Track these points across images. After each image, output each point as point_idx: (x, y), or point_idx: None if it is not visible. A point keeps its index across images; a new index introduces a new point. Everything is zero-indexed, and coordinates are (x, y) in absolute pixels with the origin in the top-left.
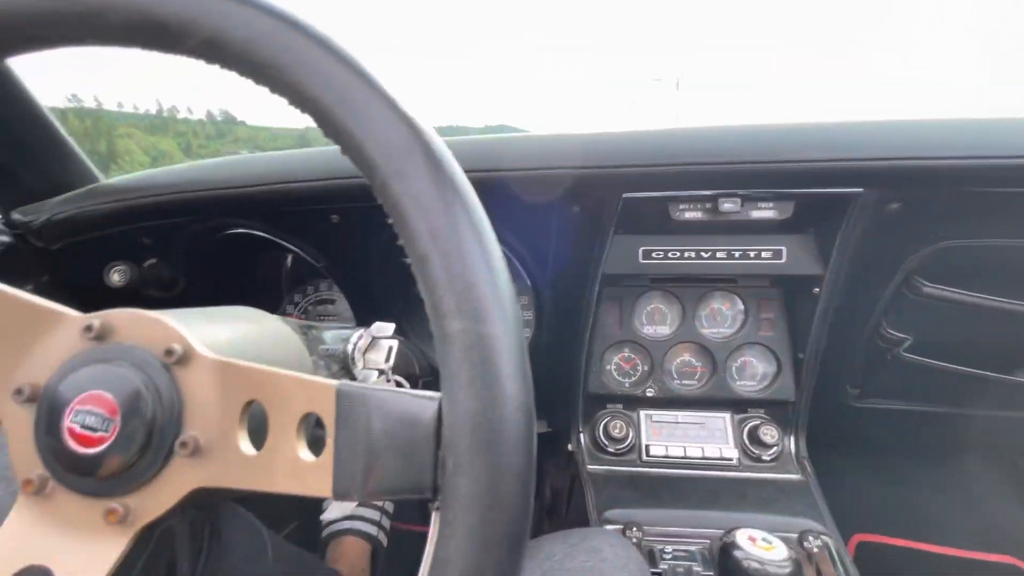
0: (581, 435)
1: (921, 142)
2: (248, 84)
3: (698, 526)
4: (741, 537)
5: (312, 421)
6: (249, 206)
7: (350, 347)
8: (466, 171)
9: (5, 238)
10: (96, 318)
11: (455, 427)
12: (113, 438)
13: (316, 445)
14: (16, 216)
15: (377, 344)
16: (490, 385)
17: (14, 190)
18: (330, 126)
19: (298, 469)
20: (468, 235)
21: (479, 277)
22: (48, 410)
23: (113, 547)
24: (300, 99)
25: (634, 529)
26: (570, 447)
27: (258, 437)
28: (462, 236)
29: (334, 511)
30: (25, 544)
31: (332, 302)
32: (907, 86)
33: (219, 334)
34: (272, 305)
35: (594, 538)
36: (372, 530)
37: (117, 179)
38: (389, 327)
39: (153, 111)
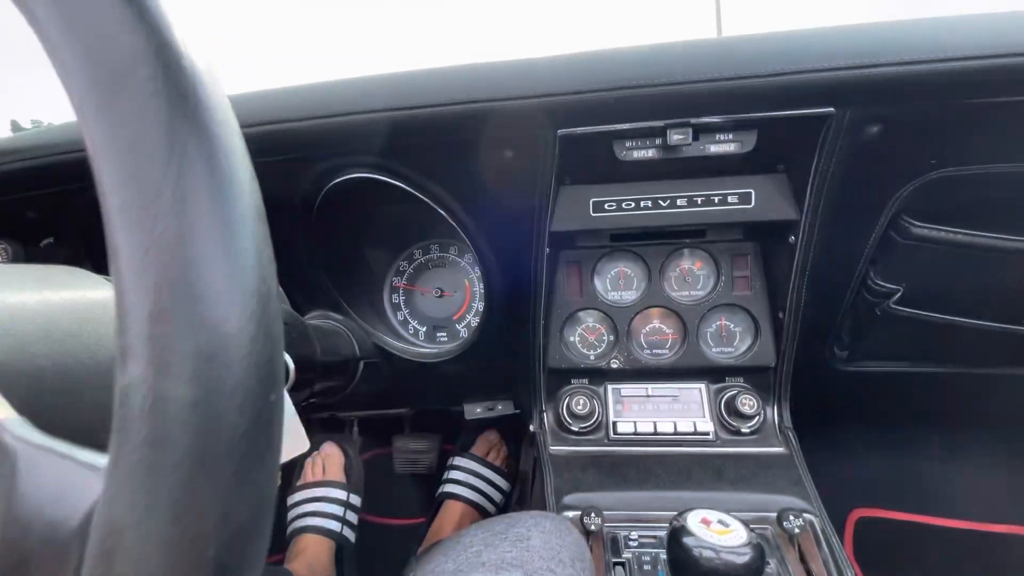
0: (544, 414)
1: (898, 44)
2: None
3: (665, 508)
4: (693, 520)
5: None
6: None
7: None
8: (368, 110)
9: None
10: None
11: (104, 539)
12: None
13: None
14: None
15: None
16: (157, 491)
17: None
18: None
19: None
20: (206, 231)
21: (186, 300)
22: None
23: None
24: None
25: (592, 515)
26: (532, 427)
27: None
28: (190, 227)
29: None
30: None
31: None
32: None
33: None
34: None
35: (523, 524)
36: (334, 526)
37: None
38: None
39: None
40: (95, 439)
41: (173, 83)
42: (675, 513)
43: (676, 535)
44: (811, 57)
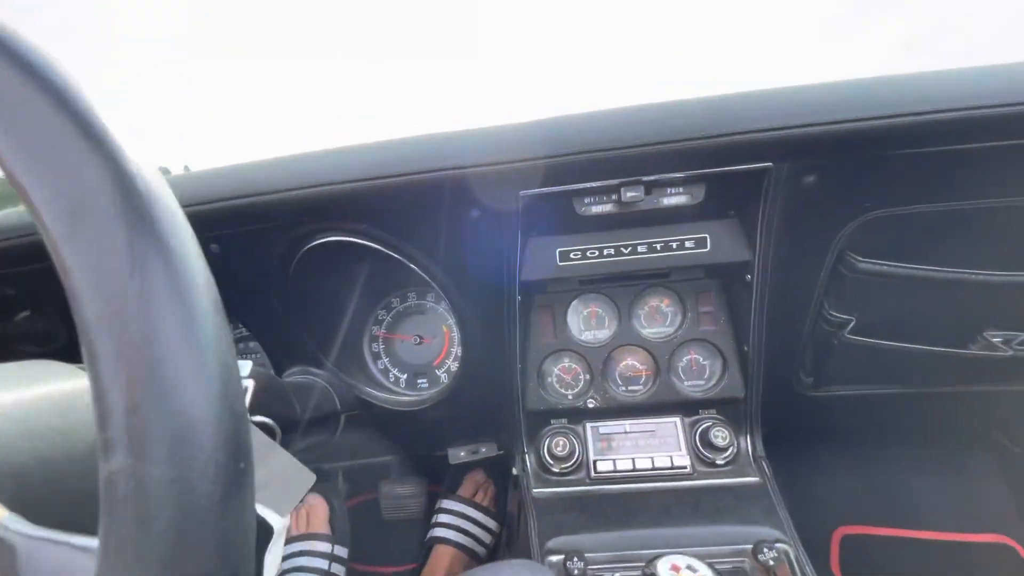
0: (527, 456)
1: (819, 106)
2: None
3: (646, 547)
4: (663, 567)
5: None
6: None
7: None
8: (338, 181)
9: None
10: None
11: None
12: None
13: None
14: None
15: None
16: (146, 562)
17: None
18: None
19: None
20: (170, 331)
21: (157, 393)
22: None
23: None
24: None
25: (575, 560)
26: (515, 470)
27: None
28: (155, 329)
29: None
30: None
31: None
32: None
33: None
34: None
35: (502, 574)
36: None
37: None
38: (246, 365)
39: None
40: (79, 524)
41: (131, 206)
42: (658, 551)
43: None
44: (747, 119)
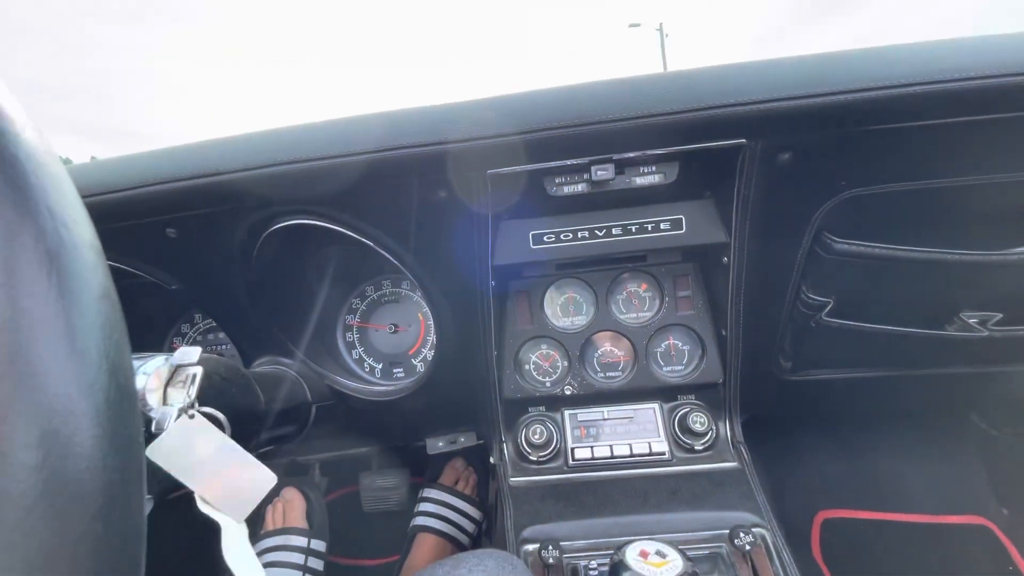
0: (505, 445)
1: (795, 80)
2: None
3: (623, 534)
4: (631, 553)
5: None
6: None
7: (139, 383)
8: (299, 160)
9: None
10: None
11: None
12: None
13: None
14: None
15: (182, 373)
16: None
17: None
18: None
19: None
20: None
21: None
22: None
23: None
24: None
25: (551, 548)
26: (492, 460)
27: None
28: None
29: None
30: None
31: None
32: None
33: None
34: (156, 337)
35: (465, 564)
36: (295, 575)
37: None
38: (194, 352)
39: None
40: None
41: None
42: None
43: (615, 570)
44: (721, 93)
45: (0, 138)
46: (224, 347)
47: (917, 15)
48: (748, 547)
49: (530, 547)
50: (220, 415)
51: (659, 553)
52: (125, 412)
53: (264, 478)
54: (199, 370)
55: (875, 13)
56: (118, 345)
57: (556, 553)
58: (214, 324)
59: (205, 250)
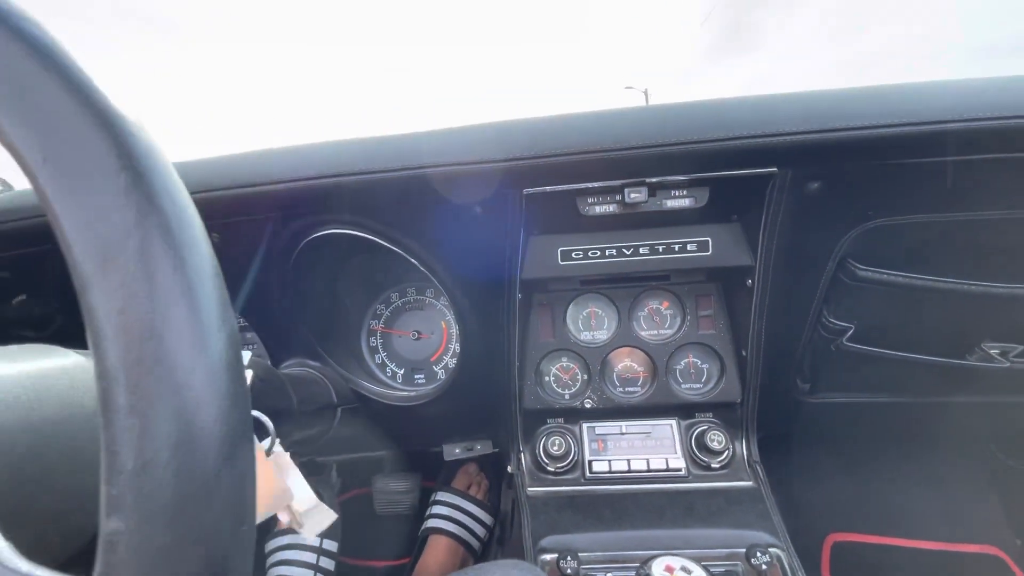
0: (522, 454)
1: (828, 113)
2: None
3: (640, 548)
4: (657, 569)
5: None
6: None
7: None
8: (342, 174)
9: None
10: None
11: None
12: None
13: None
14: None
15: None
16: None
17: None
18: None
19: None
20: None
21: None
22: None
23: None
24: None
25: (568, 559)
26: (509, 468)
27: None
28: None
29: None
30: None
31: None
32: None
33: None
34: None
35: (489, 574)
36: (306, 574)
37: None
38: (244, 356)
39: None
40: (72, 521)
41: (133, 180)
42: (651, 552)
43: None
44: (754, 123)
45: (127, 137)
46: (252, 347)
47: (811, 57)
48: (764, 567)
49: (548, 556)
50: (264, 418)
51: (684, 569)
52: (238, 373)
53: (326, 516)
54: (249, 374)
55: (767, 55)
56: (230, 320)
57: (574, 564)
58: (244, 324)
59: (246, 255)
